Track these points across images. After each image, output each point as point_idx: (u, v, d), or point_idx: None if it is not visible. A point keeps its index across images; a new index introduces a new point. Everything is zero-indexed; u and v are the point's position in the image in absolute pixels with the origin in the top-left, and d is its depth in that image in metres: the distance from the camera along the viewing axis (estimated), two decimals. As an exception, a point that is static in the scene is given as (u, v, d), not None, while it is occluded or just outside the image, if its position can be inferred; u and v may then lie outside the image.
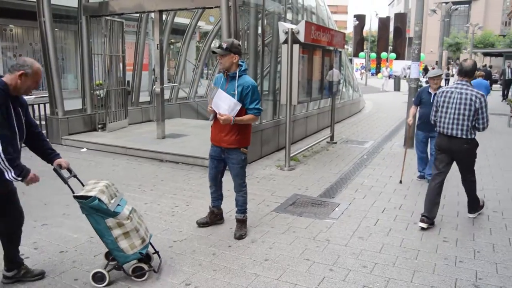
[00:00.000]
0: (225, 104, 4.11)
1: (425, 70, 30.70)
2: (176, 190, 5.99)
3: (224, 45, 4.09)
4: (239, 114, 4.18)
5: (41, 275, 3.63)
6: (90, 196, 3.33)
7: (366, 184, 6.41)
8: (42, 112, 9.37)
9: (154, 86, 10.19)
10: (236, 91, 4.15)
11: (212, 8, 8.78)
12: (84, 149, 8.62)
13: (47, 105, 9.42)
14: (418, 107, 6.48)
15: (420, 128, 6.50)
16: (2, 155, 3.07)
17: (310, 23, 7.86)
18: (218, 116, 4.12)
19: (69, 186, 3.51)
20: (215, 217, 4.78)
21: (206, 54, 15.30)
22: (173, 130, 9.87)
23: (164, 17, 11.29)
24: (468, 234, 4.59)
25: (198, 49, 24.99)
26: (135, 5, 9.46)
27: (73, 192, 3.48)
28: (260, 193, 5.92)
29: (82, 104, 10.05)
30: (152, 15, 10.64)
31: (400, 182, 6.49)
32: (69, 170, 3.51)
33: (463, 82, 4.62)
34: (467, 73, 4.63)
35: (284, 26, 7.10)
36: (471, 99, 4.49)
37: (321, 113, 11.21)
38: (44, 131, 9.40)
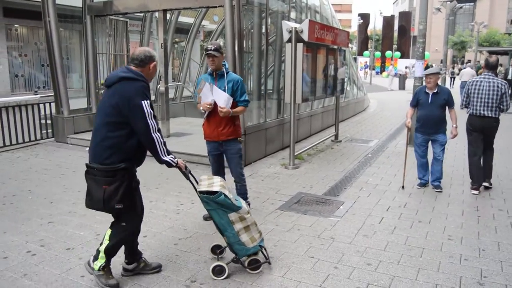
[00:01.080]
0: (222, 99, 4.52)
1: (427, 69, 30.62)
2: (181, 188, 6.02)
3: (214, 47, 4.46)
4: (231, 107, 4.60)
5: (158, 268, 3.70)
6: (216, 192, 3.44)
7: (371, 183, 6.42)
8: (48, 111, 9.43)
9: (159, 85, 10.22)
10: (226, 87, 4.57)
11: (216, 7, 8.80)
12: (89, 148, 8.66)
13: (53, 104, 9.48)
14: (416, 108, 6.11)
15: (419, 130, 6.05)
16: (163, 139, 3.25)
17: (314, 22, 7.86)
18: (219, 109, 4.46)
19: (191, 182, 3.57)
20: None
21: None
22: (178, 129, 9.90)
23: (168, 16, 11.31)
24: (473, 232, 4.59)
25: (202, 48, 25.01)
26: (139, 4, 9.48)
27: (195, 188, 3.58)
28: (264, 191, 5.94)
29: (87, 103, 10.11)
30: (156, 14, 10.66)
31: (403, 187, 6.12)
32: (185, 167, 3.57)
33: (490, 74, 5.87)
34: (493, 67, 5.95)
35: (288, 25, 7.11)
36: (498, 86, 5.73)
37: (326, 111, 11.21)
38: (49, 130, 9.46)
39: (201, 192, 3.50)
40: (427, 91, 5.89)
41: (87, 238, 4.39)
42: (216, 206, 3.47)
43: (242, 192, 4.95)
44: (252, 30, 8.83)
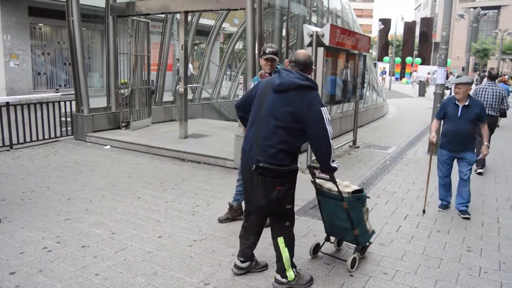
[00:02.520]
0: None
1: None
2: (197, 189, 6.03)
3: (273, 50, 4.36)
4: None
5: (266, 267, 3.81)
6: (362, 189, 3.83)
7: (389, 190, 6.32)
8: (68, 109, 9.56)
9: (178, 86, 10.28)
10: None
11: (237, 10, 8.83)
12: (108, 147, 8.76)
13: (73, 103, 9.61)
14: (442, 121, 5.51)
15: (444, 147, 5.42)
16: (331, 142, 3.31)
17: (335, 26, 7.80)
18: None
19: (337, 185, 3.68)
20: (235, 212, 4.92)
21: (230, 55, 15.36)
22: (196, 130, 9.94)
23: (189, 18, 11.39)
24: (493, 244, 4.47)
25: (222, 50, 25.12)
26: (161, 5, 9.57)
27: (338, 188, 3.68)
28: (280, 195, 5.89)
29: (107, 102, 10.23)
30: (178, 16, 10.74)
31: (423, 212, 5.37)
32: (316, 168, 3.65)
33: (492, 83, 7.66)
34: (494, 78, 7.66)
35: (309, 28, 7.07)
36: (499, 92, 7.53)
37: (344, 117, 11.12)
38: (69, 128, 9.60)
39: (353, 192, 3.72)
40: (456, 102, 5.26)
41: (103, 236, 4.41)
42: (358, 203, 3.77)
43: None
44: (272, 33, 8.82)
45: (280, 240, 3.47)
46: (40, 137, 8.90)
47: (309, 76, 3.37)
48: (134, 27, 9.87)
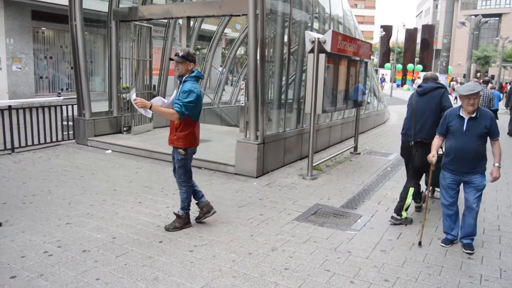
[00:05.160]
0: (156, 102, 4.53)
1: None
2: (198, 195, 6.02)
3: (181, 53, 4.53)
4: (180, 121, 4.57)
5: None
6: None
7: (390, 197, 6.32)
8: (70, 113, 9.58)
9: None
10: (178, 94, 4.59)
11: (239, 15, 8.87)
12: (109, 151, 8.77)
13: (75, 107, 9.64)
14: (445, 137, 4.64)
15: (448, 168, 4.51)
16: None
17: (336, 32, 7.83)
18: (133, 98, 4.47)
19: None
20: (202, 211, 5.03)
21: (231, 61, 15.40)
22: (197, 135, 9.93)
23: (191, 23, 11.44)
24: (494, 251, 4.47)
25: (223, 55, 25.21)
26: (164, 11, 9.62)
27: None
28: (281, 201, 5.90)
29: (108, 106, 10.24)
30: (180, 21, 10.78)
31: (419, 244, 4.57)
32: None
33: (484, 86, 9.18)
34: (486, 82, 8.77)
35: (310, 35, 7.10)
36: (488, 94, 9.55)
37: (345, 123, 11.13)
38: (71, 132, 9.62)
39: None
40: (461, 114, 4.39)
41: (104, 241, 4.41)
42: None
43: (181, 198, 4.87)
44: (274, 39, 8.85)
45: (411, 190, 5.22)
46: (42, 140, 8.91)
47: None
48: (136, 32, 9.92)
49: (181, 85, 4.59)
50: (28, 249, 4.17)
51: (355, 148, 9.54)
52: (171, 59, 4.57)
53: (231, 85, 20.96)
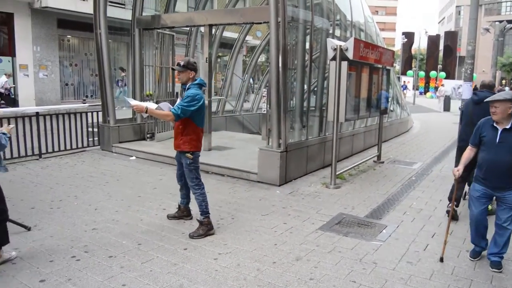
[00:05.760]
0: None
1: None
2: (221, 202, 6.06)
3: (182, 63, 4.81)
4: (184, 126, 4.82)
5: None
6: None
7: (415, 207, 6.22)
8: (95, 120, 9.76)
9: (207, 100, 10.40)
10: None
11: (260, 23, 8.92)
12: (133, 158, 8.89)
13: (100, 113, 9.82)
14: (477, 149, 4.38)
15: (479, 180, 4.30)
16: None
17: (358, 40, 7.80)
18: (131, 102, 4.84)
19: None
20: (182, 213, 5.38)
21: (253, 68, 15.48)
22: (219, 143, 10.01)
23: (213, 31, 11.55)
24: (525, 265, 4.35)
25: (244, 63, 25.35)
26: (186, 19, 9.74)
27: None
28: (305, 210, 5.88)
29: (132, 113, 10.39)
30: (202, 29, 10.90)
31: (441, 260, 4.39)
32: None
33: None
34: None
35: (332, 42, 7.09)
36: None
37: (368, 131, 11.04)
38: (96, 138, 9.79)
39: None
40: (495, 125, 4.17)
41: (129, 247, 4.47)
42: None
43: (198, 205, 4.95)
44: (295, 47, 8.87)
45: None
46: (68, 146, 9.10)
47: None
48: (159, 40, 10.06)
49: (184, 92, 4.87)
50: (56, 253, 4.26)
51: (379, 156, 9.45)
52: (173, 69, 4.80)
53: (253, 92, 21.05)
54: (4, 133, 4.08)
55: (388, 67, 9.49)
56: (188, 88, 4.82)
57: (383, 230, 5.21)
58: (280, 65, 7.10)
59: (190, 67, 4.81)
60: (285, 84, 7.15)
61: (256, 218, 5.48)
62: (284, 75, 7.14)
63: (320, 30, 9.55)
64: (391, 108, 13.26)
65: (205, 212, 4.92)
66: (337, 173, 7.28)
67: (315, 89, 9.47)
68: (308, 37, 8.62)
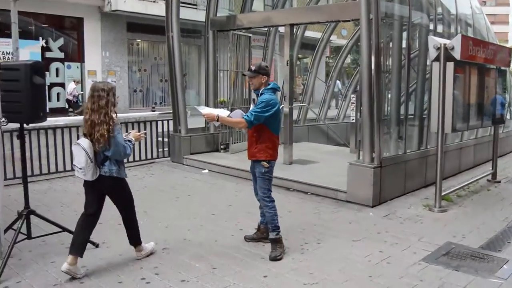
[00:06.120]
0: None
1: None
2: (305, 224, 5.97)
3: (253, 68, 4.98)
4: (259, 134, 4.91)
5: None
6: None
7: (544, 238, 5.72)
8: (165, 129, 10.12)
9: (282, 106, 10.43)
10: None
11: (348, 21, 8.81)
12: (206, 171, 9.09)
13: (170, 122, 10.17)
14: None
15: None
16: None
17: (466, 37, 7.46)
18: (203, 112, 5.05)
19: None
20: (261, 234, 5.32)
21: (338, 71, 15.33)
22: (301, 156, 9.93)
23: (294, 31, 11.59)
24: None
25: (327, 65, 25.19)
26: (264, 18, 9.88)
27: None
28: (404, 236, 5.61)
29: (205, 122, 10.60)
30: (281, 29, 10.99)
31: None
32: None
33: None
34: None
35: (435, 40, 6.82)
36: None
37: (479, 144, 10.44)
38: (165, 149, 10.15)
39: None
40: None
41: (203, 271, 4.51)
42: None
43: (268, 221, 5.00)
44: (389, 46, 8.64)
45: None
46: (137, 158, 9.51)
47: None
48: (235, 42, 10.26)
49: (258, 98, 5.01)
50: (125, 274, 4.41)
51: (494, 174, 8.87)
52: (243, 75, 4.89)
53: (341, 98, 20.83)
54: (129, 140, 4.70)
55: (503, 68, 8.98)
56: (261, 94, 4.96)
57: (503, 265, 4.82)
58: (373, 67, 6.96)
59: (262, 71, 4.95)
60: (378, 89, 6.97)
61: (346, 244, 5.33)
62: (378, 79, 6.97)
63: (419, 26, 9.27)
64: (508, 116, 12.43)
65: (278, 227, 4.99)
66: (442, 194, 6.92)
67: (414, 94, 9.14)
68: (404, 35, 8.39)
